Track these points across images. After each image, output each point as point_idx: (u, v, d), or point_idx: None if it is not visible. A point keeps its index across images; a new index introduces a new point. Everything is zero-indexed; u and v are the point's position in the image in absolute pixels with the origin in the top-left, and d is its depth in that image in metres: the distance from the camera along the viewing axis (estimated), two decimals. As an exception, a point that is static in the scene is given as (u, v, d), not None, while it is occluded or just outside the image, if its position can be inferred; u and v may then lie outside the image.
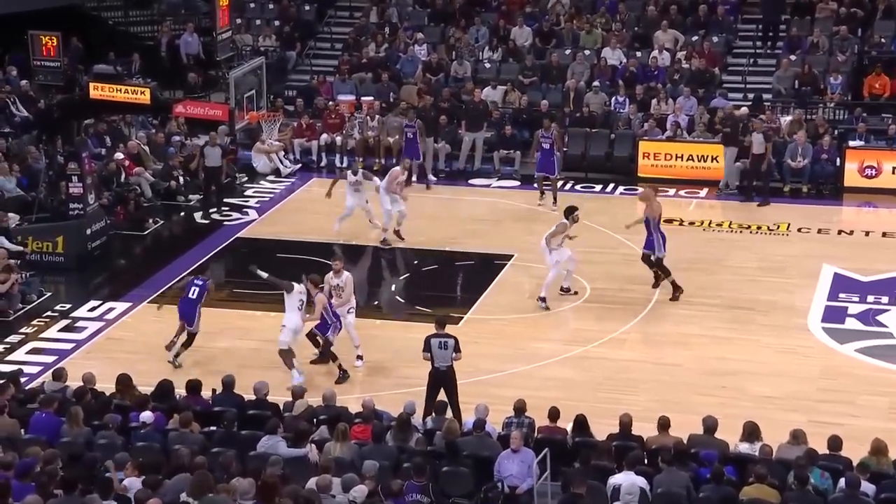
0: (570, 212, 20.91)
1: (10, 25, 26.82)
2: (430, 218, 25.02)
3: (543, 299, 20.37)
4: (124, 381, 15.81)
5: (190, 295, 18.49)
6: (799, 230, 24.29)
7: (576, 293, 20.90)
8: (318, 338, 18.12)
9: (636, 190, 26.24)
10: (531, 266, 21.91)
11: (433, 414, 15.25)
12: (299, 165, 28.37)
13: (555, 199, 25.34)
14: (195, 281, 18.79)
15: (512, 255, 22.72)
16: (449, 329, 17.04)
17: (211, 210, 25.48)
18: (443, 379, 16.18)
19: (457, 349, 16.29)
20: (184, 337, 18.42)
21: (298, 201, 26.59)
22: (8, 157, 24.83)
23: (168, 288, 21.04)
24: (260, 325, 19.71)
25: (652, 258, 20.78)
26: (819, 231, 24.24)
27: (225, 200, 25.86)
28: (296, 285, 17.80)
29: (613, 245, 23.18)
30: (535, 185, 25.92)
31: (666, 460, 13.11)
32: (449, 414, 14.95)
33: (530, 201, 25.88)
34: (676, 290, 20.67)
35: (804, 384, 17.82)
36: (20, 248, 22.07)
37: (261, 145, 28.07)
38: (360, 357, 18.40)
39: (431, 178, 27.58)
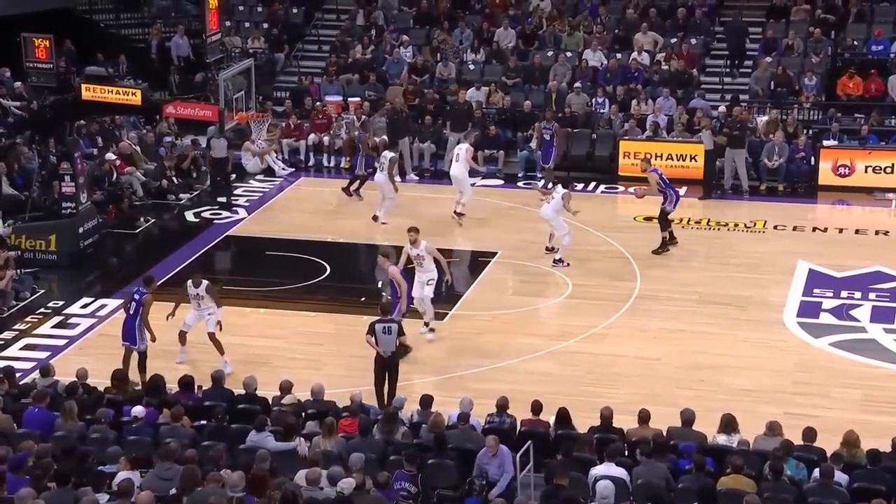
0: (566, 184, 22.29)
1: (2, 28, 26.71)
2: (416, 216, 24.94)
3: (561, 261, 21.72)
4: (120, 377, 15.75)
5: (130, 311, 17.41)
6: (775, 227, 24.36)
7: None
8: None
9: (616, 189, 26.33)
10: (515, 263, 22.03)
11: (388, 404, 15.46)
12: (293, 170, 28.35)
13: (545, 184, 24.61)
14: (134, 295, 17.46)
15: (496, 253, 22.74)
16: (435, 325, 17.42)
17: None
18: (387, 364, 16.52)
19: (401, 333, 16.57)
20: (135, 361, 17.23)
21: (287, 200, 26.61)
22: (4, 157, 24.69)
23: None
24: (249, 321, 19.69)
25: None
26: (794, 228, 24.29)
27: (219, 200, 25.84)
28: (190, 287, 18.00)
29: (595, 243, 23.21)
30: (525, 182, 26.62)
31: (645, 452, 13.13)
32: (434, 408, 14.95)
33: (514, 199, 25.92)
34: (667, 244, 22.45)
35: (780, 377, 17.85)
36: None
37: (250, 145, 28.06)
38: (432, 330, 18.88)
39: (412, 176, 27.72)
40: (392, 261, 18.73)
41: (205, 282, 18.11)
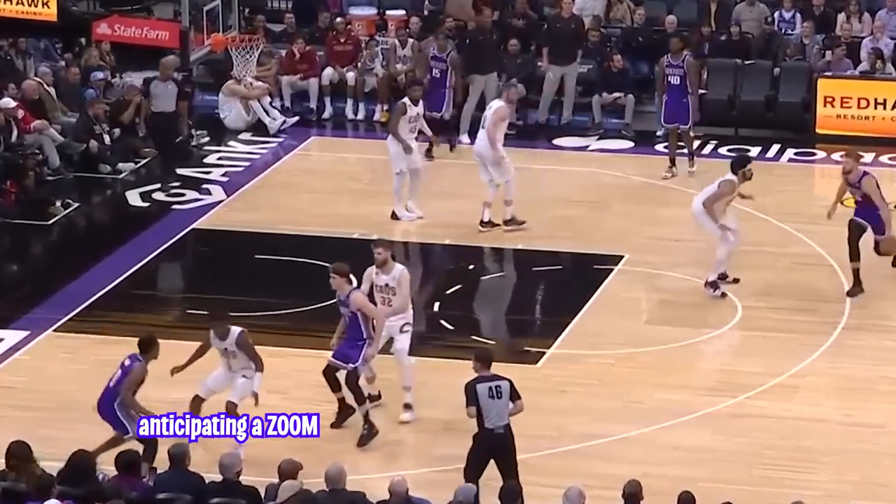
0: (740, 164, 21.69)
1: None
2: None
3: (715, 284, 21.45)
4: (20, 455, 15.71)
5: (111, 381, 17.55)
6: None
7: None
8: (339, 370, 18.09)
9: (812, 155, 26.01)
10: (651, 273, 22.09)
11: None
12: (295, 119, 28.55)
13: (691, 157, 25.48)
14: (124, 360, 17.52)
15: (622, 257, 22.73)
16: (515, 369, 17.56)
17: (170, 182, 25.67)
18: (498, 446, 16.30)
19: (514, 396, 16.42)
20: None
21: (288, 172, 26.79)
22: None
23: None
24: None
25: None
26: None
27: (179, 172, 26.03)
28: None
29: (779, 241, 23.20)
30: (665, 143, 26.41)
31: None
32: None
33: (649, 171, 26.00)
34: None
35: None
36: None
37: (235, 86, 28.06)
38: (408, 407, 18.68)
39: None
40: (349, 281, 18.30)
41: (235, 330, 18.03)
